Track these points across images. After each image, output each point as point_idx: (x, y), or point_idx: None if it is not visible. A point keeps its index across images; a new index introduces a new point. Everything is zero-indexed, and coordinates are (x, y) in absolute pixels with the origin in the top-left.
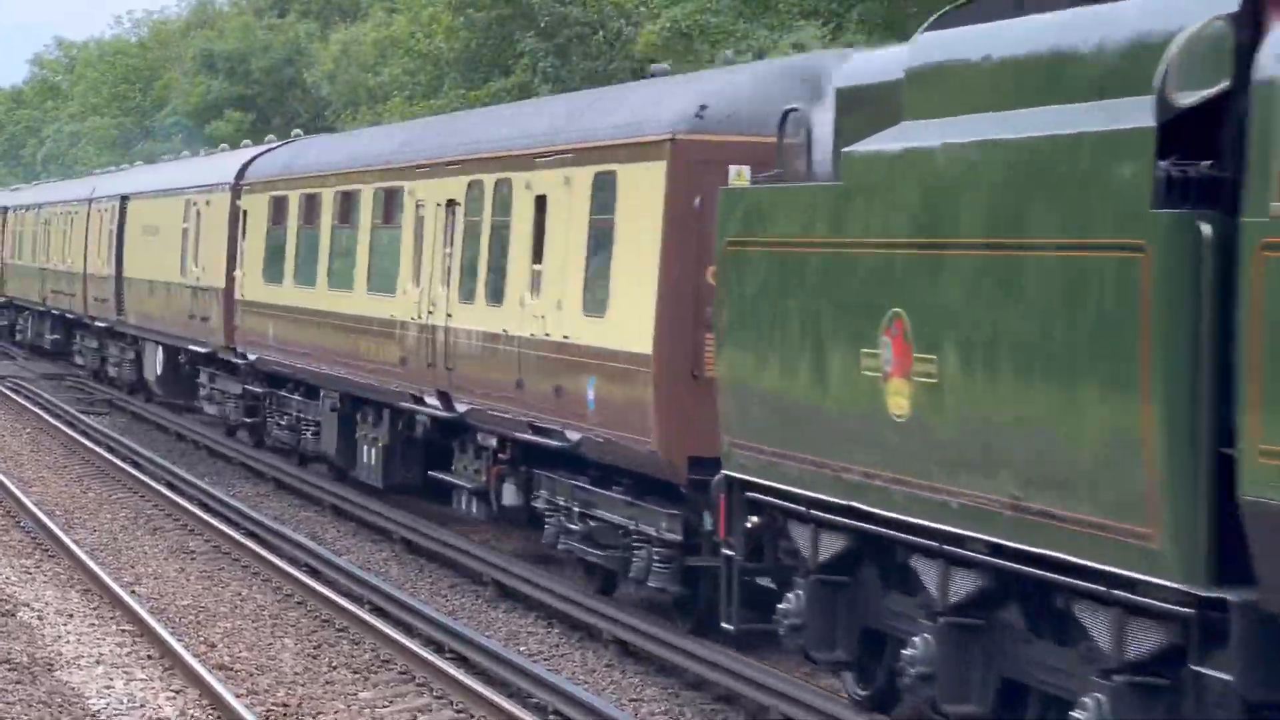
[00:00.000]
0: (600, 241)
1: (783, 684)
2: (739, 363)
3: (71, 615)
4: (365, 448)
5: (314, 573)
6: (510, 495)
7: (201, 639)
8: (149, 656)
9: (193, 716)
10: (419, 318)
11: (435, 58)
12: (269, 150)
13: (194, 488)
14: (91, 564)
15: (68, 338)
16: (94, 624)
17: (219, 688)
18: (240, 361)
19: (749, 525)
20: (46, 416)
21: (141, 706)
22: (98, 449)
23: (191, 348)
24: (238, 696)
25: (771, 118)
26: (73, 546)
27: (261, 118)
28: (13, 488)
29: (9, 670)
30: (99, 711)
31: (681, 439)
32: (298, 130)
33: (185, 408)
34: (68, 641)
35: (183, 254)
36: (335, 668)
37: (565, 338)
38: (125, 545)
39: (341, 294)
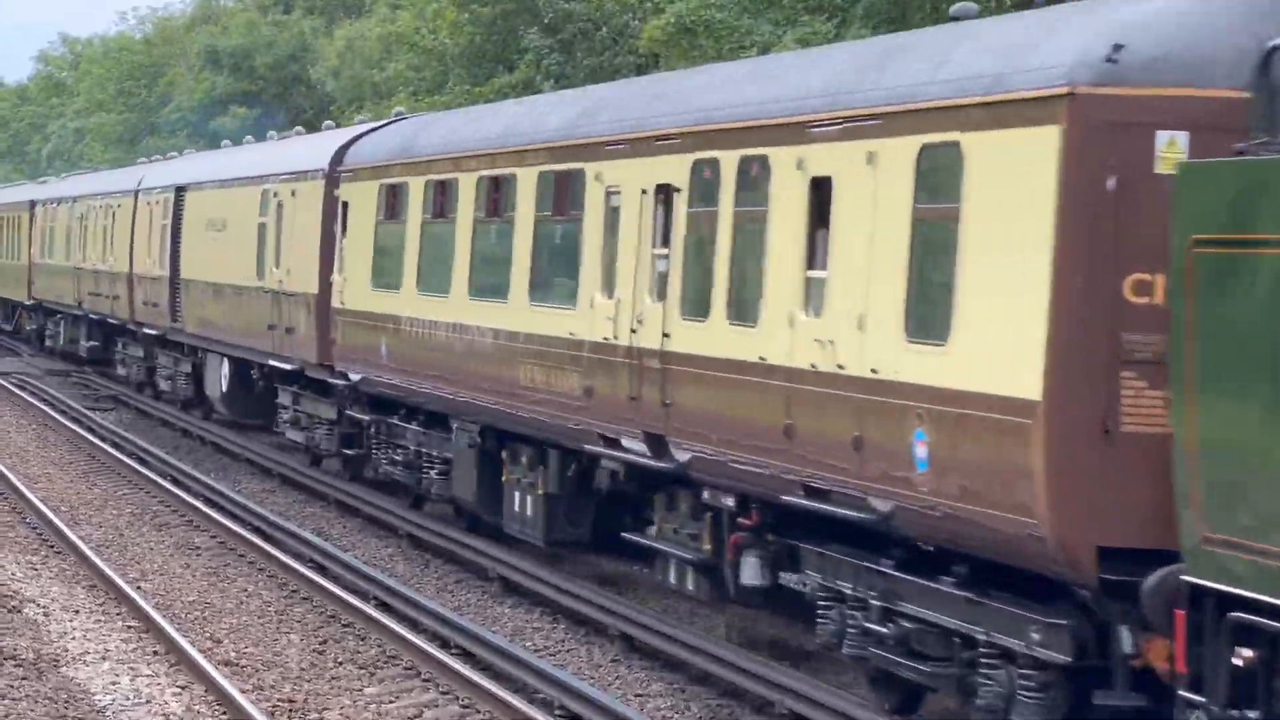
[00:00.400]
0: (933, 239)
1: (788, 679)
2: (1225, 420)
3: (77, 611)
4: (518, 495)
5: (319, 568)
6: (753, 572)
7: (207, 635)
8: (155, 652)
9: (198, 712)
10: (615, 338)
11: (440, 54)
12: (374, 129)
13: (199, 483)
14: (97, 560)
15: (107, 345)
16: (100, 620)
17: (225, 684)
18: (339, 382)
19: (1238, 660)
20: (52, 412)
21: (147, 702)
22: (103, 445)
23: (272, 363)
24: (243, 692)
25: (1224, 60)
26: (78, 542)
27: (267, 113)
28: (18, 484)
29: (15, 666)
30: (105, 707)
31: (1087, 521)
32: (299, 128)
33: (257, 427)
34: (73, 638)
35: (259, 253)
36: (341, 663)
37: (873, 371)
38: (131, 541)
39: (490, 305)
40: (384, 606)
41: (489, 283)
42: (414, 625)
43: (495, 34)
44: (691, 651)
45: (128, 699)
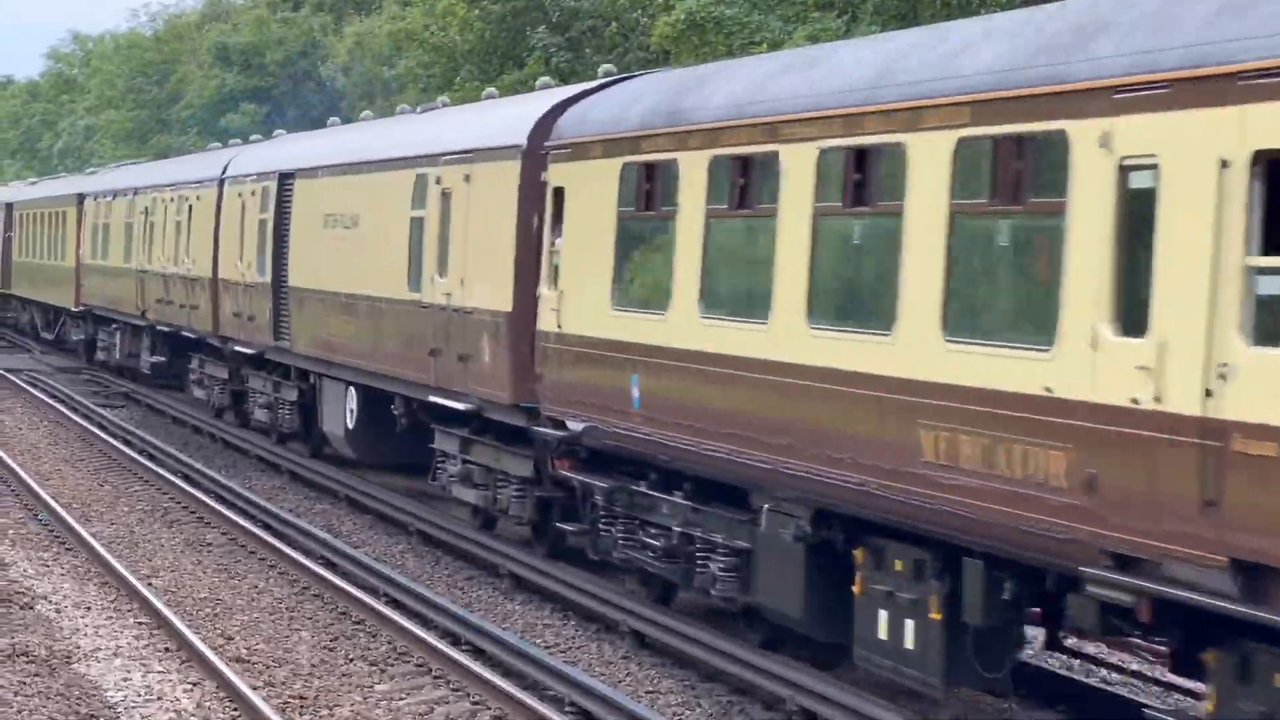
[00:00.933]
0: None
1: (798, 675)
2: None
3: (89, 608)
4: (887, 616)
5: (330, 565)
6: None
7: (218, 631)
8: (166, 649)
9: (210, 709)
10: (1157, 400)
11: (450, 50)
12: (589, 90)
13: (210, 480)
14: (109, 556)
15: (175, 361)
16: (111, 616)
17: (236, 680)
18: (550, 432)
19: None
20: (64, 410)
21: (159, 699)
22: (114, 442)
23: (434, 400)
24: (254, 689)
25: None
26: (90, 539)
27: (276, 110)
28: (30, 481)
29: (28, 663)
30: (117, 704)
31: None
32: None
33: (386, 466)
34: (85, 634)
35: (413, 257)
36: (352, 660)
37: None
38: (142, 538)
39: (852, 339)
40: (395, 603)
41: (851, 306)
42: (425, 622)
43: (505, 30)
44: (702, 649)
45: (139, 695)
